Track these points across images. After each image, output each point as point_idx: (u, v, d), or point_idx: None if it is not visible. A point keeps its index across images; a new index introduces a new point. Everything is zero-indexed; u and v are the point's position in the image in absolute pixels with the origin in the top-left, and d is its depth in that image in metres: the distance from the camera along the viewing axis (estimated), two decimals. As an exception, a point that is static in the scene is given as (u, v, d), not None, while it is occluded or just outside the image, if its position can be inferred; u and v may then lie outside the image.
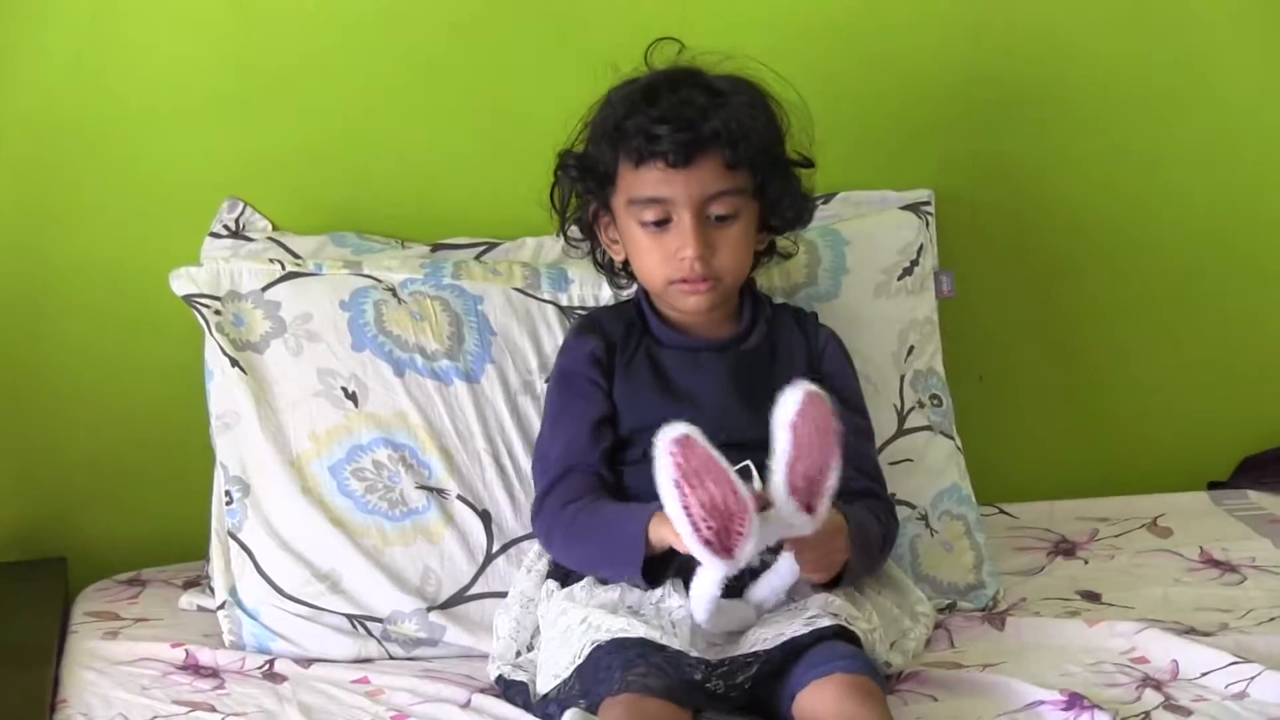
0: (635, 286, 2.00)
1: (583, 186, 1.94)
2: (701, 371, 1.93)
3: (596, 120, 1.94)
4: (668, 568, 1.81)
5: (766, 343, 1.97)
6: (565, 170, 1.96)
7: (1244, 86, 2.44)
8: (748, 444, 1.86)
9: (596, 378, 1.93)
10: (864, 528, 1.88)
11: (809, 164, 1.97)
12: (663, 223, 1.89)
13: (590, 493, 1.89)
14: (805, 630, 1.77)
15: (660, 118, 1.87)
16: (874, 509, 1.93)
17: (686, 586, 1.81)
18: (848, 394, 1.97)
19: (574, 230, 2.01)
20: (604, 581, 1.86)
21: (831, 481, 1.73)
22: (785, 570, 1.79)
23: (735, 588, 1.79)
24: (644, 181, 1.88)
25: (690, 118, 1.86)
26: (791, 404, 1.72)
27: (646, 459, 1.87)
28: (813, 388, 1.72)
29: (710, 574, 1.73)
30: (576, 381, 1.94)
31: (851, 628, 1.79)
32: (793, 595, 1.83)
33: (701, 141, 1.86)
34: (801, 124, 1.95)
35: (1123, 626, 1.95)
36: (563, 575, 1.90)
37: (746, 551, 1.70)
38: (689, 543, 1.69)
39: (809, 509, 1.73)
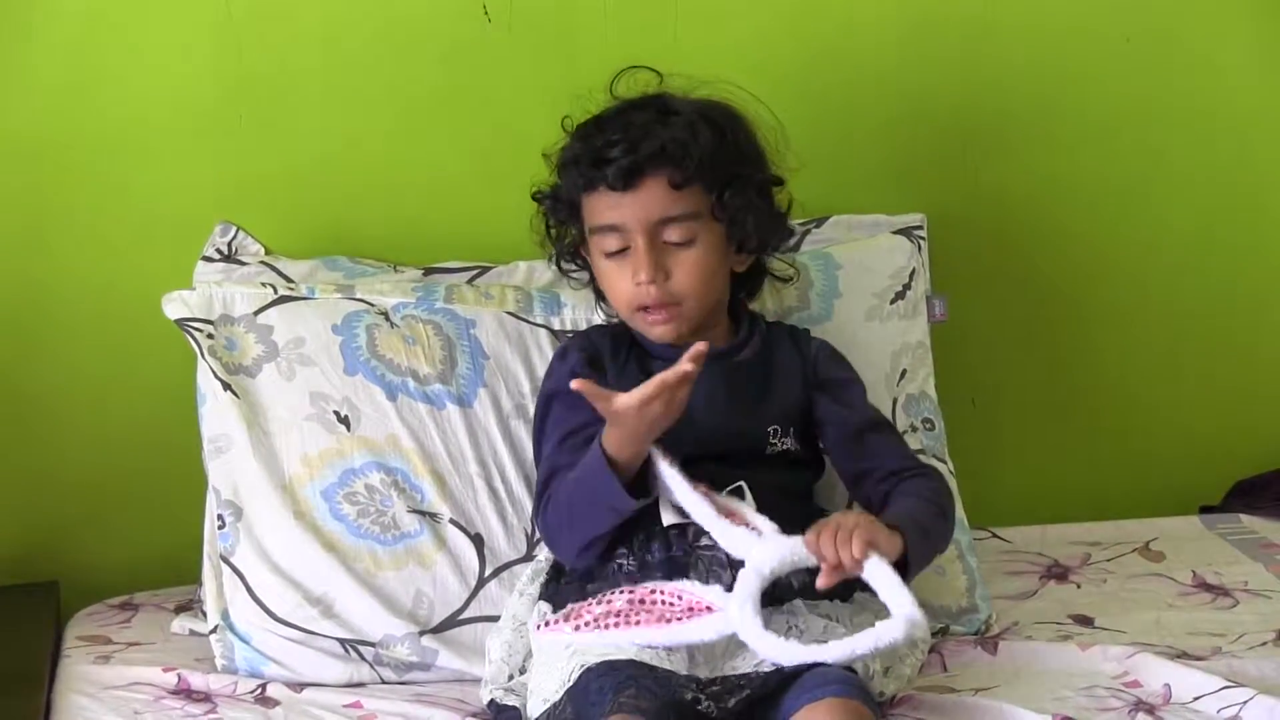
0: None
1: (555, 218, 1.96)
2: (693, 382, 1.92)
3: (560, 152, 1.94)
4: (647, 484, 1.80)
5: (760, 357, 1.96)
6: (538, 199, 1.97)
7: (1237, 110, 2.44)
8: (740, 455, 1.86)
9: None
10: (914, 517, 1.83)
11: (778, 181, 1.96)
12: (623, 250, 1.89)
13: None
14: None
15: (605, 142, 1.87)
16: (918, 489, 1.89)
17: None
18: (849, 395, 1.96)
19: (568, 261, 2.01)
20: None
21: None
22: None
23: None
24: (596, 208, 1.89)
25: (633, 139, 1.86)
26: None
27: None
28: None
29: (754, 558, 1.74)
30: (560, 399, 1.93)
31: (850, 663, 1.78)
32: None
33: (642, 163, 1.86)
34: (777, 144, 1.95)
35: (1115, 651, 1.95)
36: (552, 597, 1.90)
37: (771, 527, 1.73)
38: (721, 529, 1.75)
39: None
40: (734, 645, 1.81)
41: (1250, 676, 1.89)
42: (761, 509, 1.84)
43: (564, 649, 1.80)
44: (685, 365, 1.75)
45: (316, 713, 1.91)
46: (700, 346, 1.76)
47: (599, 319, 2.07)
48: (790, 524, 1.87)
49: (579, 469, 1.83)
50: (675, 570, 1.82)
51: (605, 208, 1.88)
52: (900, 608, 1.72)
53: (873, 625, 1.90)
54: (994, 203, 2.40)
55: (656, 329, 1.92)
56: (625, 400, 1.75)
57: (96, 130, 2.20)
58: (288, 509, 2.01)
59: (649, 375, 1.91)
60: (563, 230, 1.97)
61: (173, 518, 2.20)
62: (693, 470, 1.86)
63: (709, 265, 1.91)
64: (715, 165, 1.88)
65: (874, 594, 1.94)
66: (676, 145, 1.86)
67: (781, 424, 1.92)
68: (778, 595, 1.84)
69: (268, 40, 2.20)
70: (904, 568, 1.78)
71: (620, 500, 1.79)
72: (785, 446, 1.92)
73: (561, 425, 1.91)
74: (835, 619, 1.84)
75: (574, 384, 1.75)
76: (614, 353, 1.95)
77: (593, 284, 2.02)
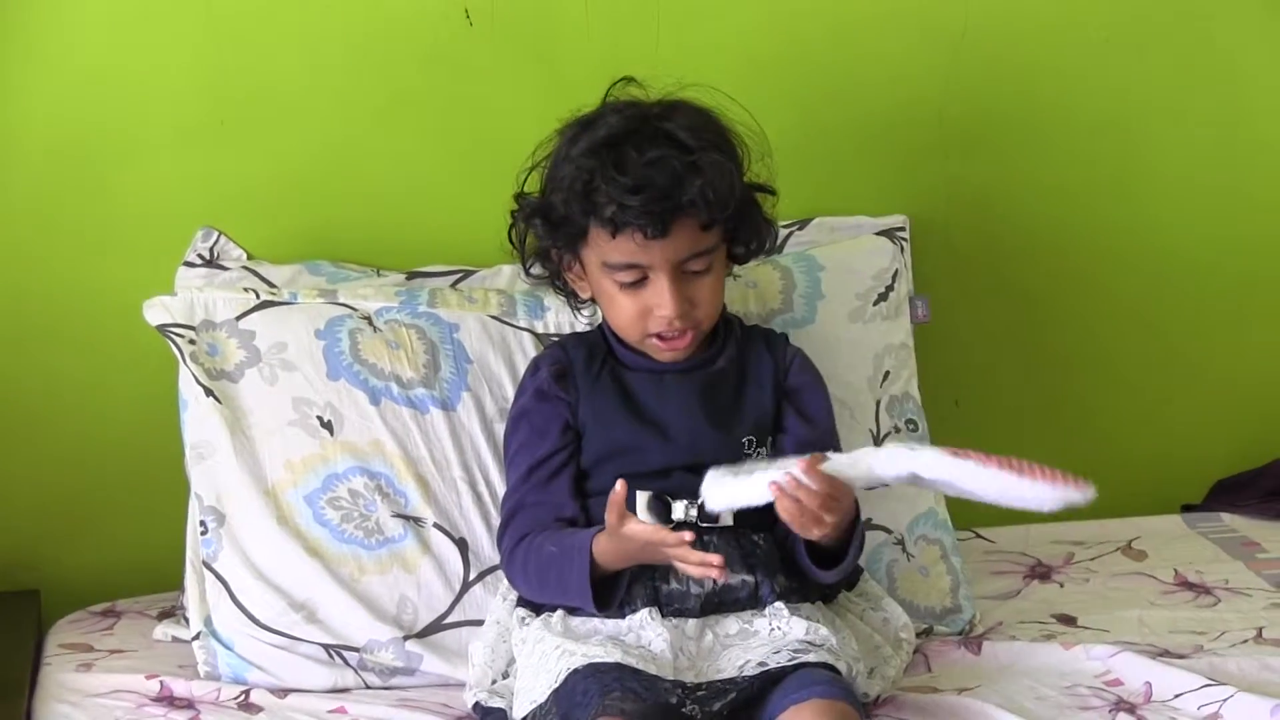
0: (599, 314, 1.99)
1: (551, 241, 1.92)
2: (667, 393, 1.92)
3: (558, 173, 1.89)
4: (618, 589, 1.82)
5: (735, 364, 1.96)
6: (528, 220, 1.93)
7: (1217, 108, 2.45)
8: (715, 466, 1.86)
9: (551, 409, 1.92)
10: (859, 525, 1.85)
11: (770, 191, 1.95)
12: (639, 281, 1.87)
13: (539, 529, 1.88)
14: (788, 663, 1.78)
15: (633, 187, 1.82)
16: None
17: (663, 614, 1.82)
18: (812, 410, 1.96)
19: (535, 267, 1.98)
20: (574, 612, 1.86)
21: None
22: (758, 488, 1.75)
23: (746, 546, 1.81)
24: (619, 249, 1.85)
25: (664, 186, 1.82)
26: None
27: (610, 489, 1.87)
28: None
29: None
30: (528, 419, 1.94)
31: (836, 665, 1.79)
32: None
33: (678, 211, 1.83)
34: (759, 148, 1.93)
35: (1098, 650, 1.96)
36: (534, 604, 1.90)
37: None
38: None
39: None
40: (718, 647, 1.82)
41: (1231, 674, 1.90)
42: (737, 518, 1.84)
43: (554, 649, 1.80)
44: (712, 570, 1.74)
45: (300, 719, 1.91)
46: (719, 565, 1.75)
47: (582, 324, 2.07)
48: (767, 531, 1.87)
49: (560, 550, 1.84)
50: (657, 598, 1.84)
51: (631, 250, 1.85)
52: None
53: (854, 626, 1.92)
54: (977, 204, 2.41)
55: (668, 353, 1.92)
56: (637, 529, 1.75)
57: (78, 136, 2.19)
58: (271, 514, 2.01)
59: (623, 387, 1.92)
60: (548, 245, 1.93)
61: (155, 524, 2.20)
62: (667, 482, 1.86)
63: (721, 286, 1.92)
64: (735, 199, 1.87)
65: (854, 593, 1.96)
66: (712, 195, 1.83)
67: (756, 434, 1.92)
68: (759, 599, 1.84)
69: (249, 44, 2.19)
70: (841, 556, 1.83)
71: (588, 606, 1.82)
72: (761, 457, 1.92)
73: (527, 454, 1.92)
74: (817, 621, 1.84)
75: (618, 485, 1.75)
76: (588, 364, 1.94)
77: (555, 284, 1.99)
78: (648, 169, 1.82)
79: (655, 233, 1.83)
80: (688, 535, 1.74)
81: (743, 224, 1.91)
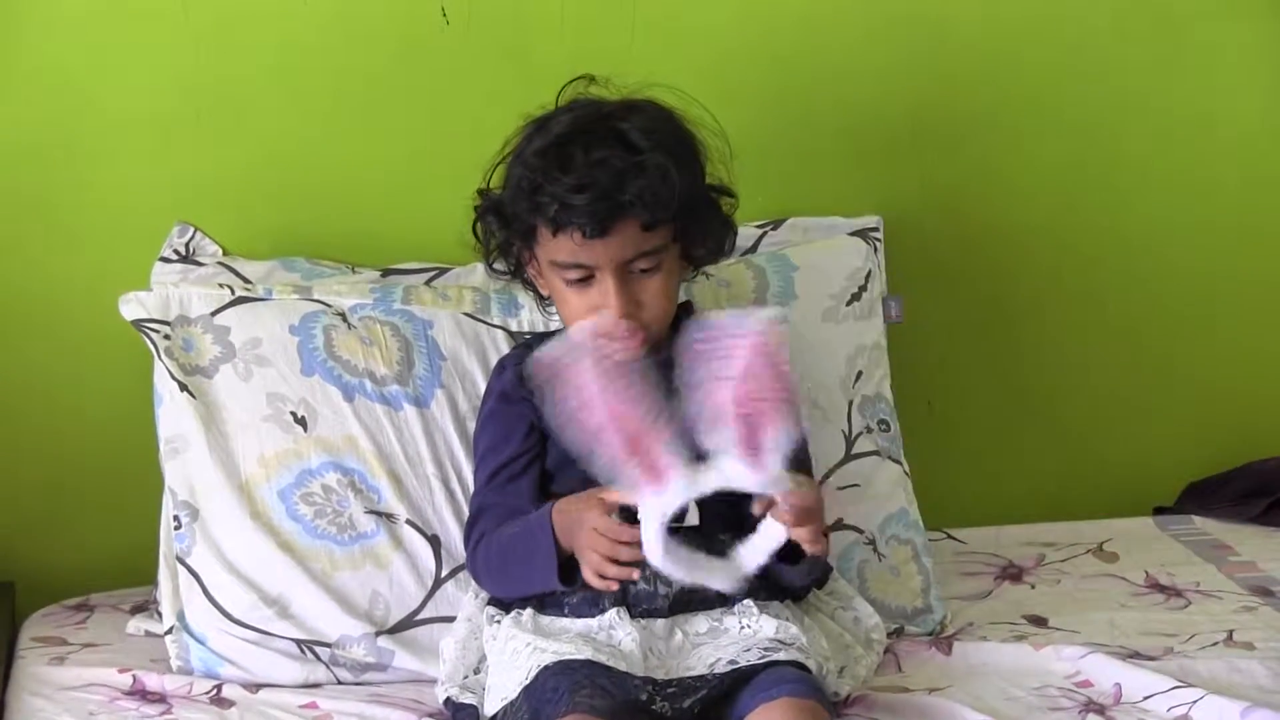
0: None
1: (503, 236, 1.93)
2: None
3: (511, 172, 1.90)
4: (579, 566, 1.81)
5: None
6: (485, 217, 1.94)
7: (1192, 107, 2.45)
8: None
9: (516, 411, 1.92)
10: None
11: (729, 194, 1.95)
12: (586, 279, 1.87)
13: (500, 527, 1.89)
14: (759, 661, 1.78)
15: (575, 186, 1.82)
16: None
17: (632, 614, 1.82)
18: None
19: (499, 262, 1.98)
20: (543, 610, 1.86)
21: (777, 432, 1.64)
22: (770, 534, 1.73)
23: (716, 547, 1.76)
24: (563, 248, 1.86)
25: (605, 186, 1.81)
26: (751, 324, 1.64)
27: (574, 490, 1.86)
28: (776, 317, 1.66)
29: (647, 508, 1.67)
30: (493, 422, 1.94)
31: (806, 663, 1.79)
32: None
33: (618, 210, 1.82)
34: (721, 150, 1.93)
35: (1068, 651, 1.97)
36: (504, 602, 1.90)
37: (676, 486, 1.64)
38: (613, 466, 1.65)
39: (751, 457, 1.65)
40: (688, 646, 1.82)
41: (1201, 676, 1.90)
42: (706, 517, 1.82)
43: (525, 646, 1.80)
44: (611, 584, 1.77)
45: (272, 713, 1.91)
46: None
47: (556, 320, 2.07)
48: (723, 520, 1.87)
49: (522, 529, 1.84)
50: (625, 598, 1.83)
51: (574, 249, 1.85)
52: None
53: (824, 625, 1.92)
54: (951, 204, 2.41)
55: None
56: (608, 500, 1.75)
57: (54, 131, 2.19)
58: (244, 510, 2.01)
59: None
60: (506, 242, 1.94)
61: (129, 519, 2.20)
62: None
63: (673, 286, 1.91)
64: (683, 202, 1.86)
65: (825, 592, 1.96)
66: (651, 196, 1.83)
67: None
68: (728, 597, 1.84)
69: (225, 41, 2.20)
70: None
71: (552, 584, 1.82)
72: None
73: (493, 457, 1.92)
74: (787, 619, 1.84)
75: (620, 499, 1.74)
76: None
77: (525, 282, 1.98)
78: (591, 169, 1.82)
79: (593, 232, 1.82)
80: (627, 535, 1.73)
81: (694, 225, 1.90)
